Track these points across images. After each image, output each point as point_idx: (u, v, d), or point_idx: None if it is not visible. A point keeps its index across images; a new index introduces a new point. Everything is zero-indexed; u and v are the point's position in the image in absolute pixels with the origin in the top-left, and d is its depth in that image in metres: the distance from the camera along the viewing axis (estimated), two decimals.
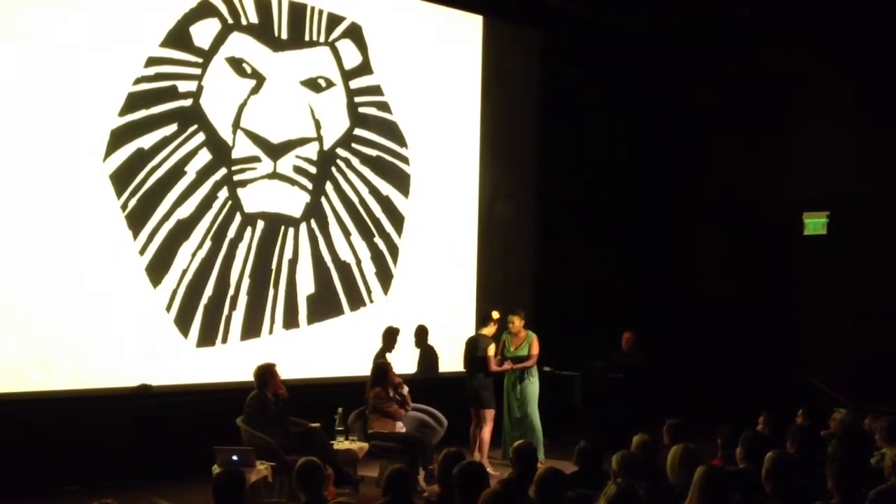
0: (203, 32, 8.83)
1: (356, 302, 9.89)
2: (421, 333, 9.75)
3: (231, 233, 9.00)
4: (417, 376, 9.59)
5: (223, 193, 8.94)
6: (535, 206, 11.68)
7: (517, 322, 9.27)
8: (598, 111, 11.88)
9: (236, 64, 9.05)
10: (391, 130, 10.23)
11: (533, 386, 9.28)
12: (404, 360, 9.44)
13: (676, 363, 11.41)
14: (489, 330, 9.27)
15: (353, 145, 9.90)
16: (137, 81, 8.40)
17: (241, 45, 9.07)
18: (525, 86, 11.62)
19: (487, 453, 9.09)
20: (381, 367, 8.49)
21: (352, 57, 9.90)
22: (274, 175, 9.24)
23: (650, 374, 10.25)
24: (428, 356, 9.77)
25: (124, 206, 8.33)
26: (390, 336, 9.12)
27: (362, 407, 8.46)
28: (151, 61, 8.50)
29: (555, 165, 11.63)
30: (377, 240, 10.08)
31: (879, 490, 4.55)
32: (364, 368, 9.13)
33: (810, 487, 4.98)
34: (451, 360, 9.91)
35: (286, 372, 8.07)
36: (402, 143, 10.32)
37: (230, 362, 8.87)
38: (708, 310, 11.84)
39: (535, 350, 9.24)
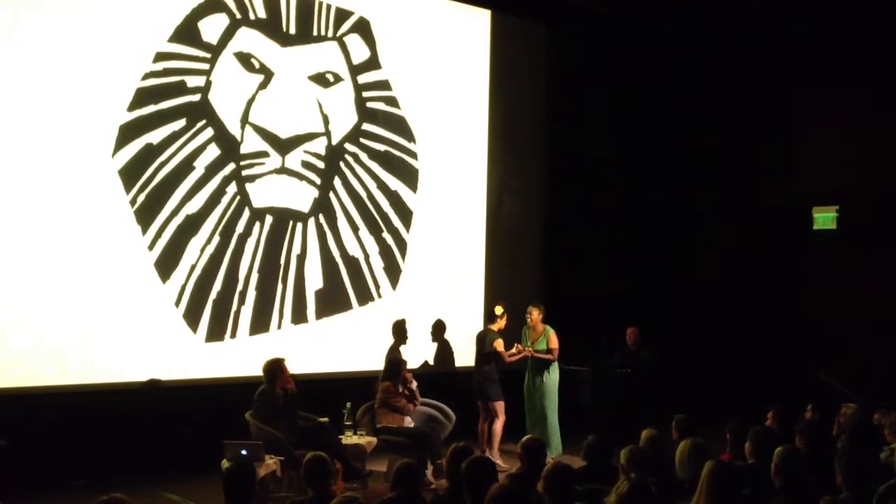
0: (211, 27, 8.84)
1: (364, 297, 9.90)
2: (438, 327, 9.77)
3: (239, 228, 9.01)
4: (434, 370, 9.62)
5: (231, 188, 8.95)
6: (543, 200, 11.67)
7: (535, 314, 9.29)
8: (606, 106, 11.86)
9: (244, 59, 9.06)
10: (399, 125, 10.23)
11: (551, 381, 9.29)
12: (415, 354, 9.46)
13: (684, 358, 11.39)
14: (497, 325, 9.28)
15: (362, 140, 9.90)
16: (146, 77, 8.42)
17: (249, 40, 9.08)
18: (533, 80, 11.61)
19: (499, 446, 9.10)
20: (395, 361, 8.50)
21: (360, 52, 9.90)
22: (282, 170, 9.25)
23: (658, 369, 10.24)
24: (444, 350, 9.79)
25: (133, 202, 8.35)
26: (400, 329, 9.13)
27: (371, 402, 8.48)
28: (160, 56, 8.51)
29: (562, 160, 11.62)
30: (385, 235, 10.09)
31: (889, 485, 4.54)
32: (372, 363, 9.16)
33: (819, 483, 4.97)
34: (460, 355, 9.93)
35: (295, 367, 8.09)
36: (411, 137, 10.32)
37: (239, 357, 8.89)
38: (717, 305, 11.81)
39: (554, 344, 9.25)
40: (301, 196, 9.42)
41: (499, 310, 9.31)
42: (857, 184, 10.51)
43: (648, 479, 4.44)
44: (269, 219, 9.21)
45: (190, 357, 8.68)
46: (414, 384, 8.51)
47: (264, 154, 9.13)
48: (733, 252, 11.68)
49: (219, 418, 7.91)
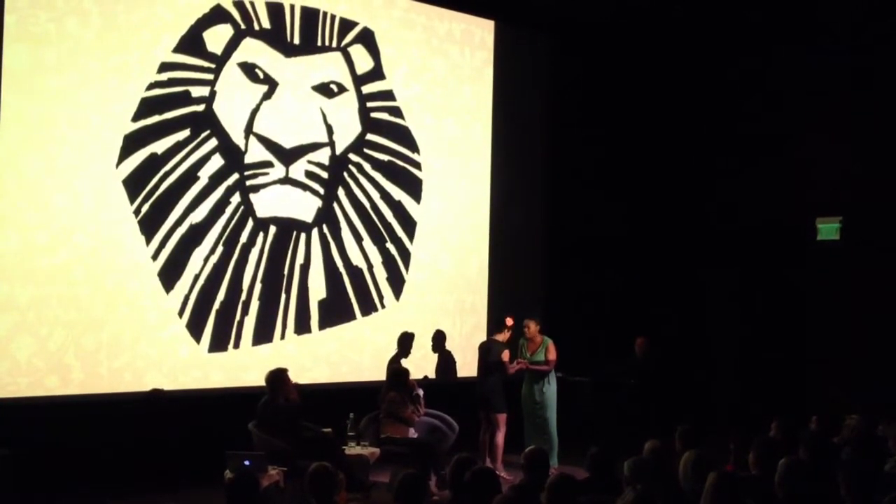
0: (216, 38, 8.87)
1: (368, 307, 9.90)
2: (439, 338, 9.76)
3: (243, 238, 9.03)
4: (436, 381, 9.61)
5: (235, 198, 8.97)
6: (546, 210, 11.67)
7: (532, 327, 9.28)
8: (609, 116, 11.87)
9: (249, 69, 9.08)
10: (403, 135, 10.24)
11: (550, 392, 9.29)
12: (418, 365, 9.45)
13: (688, 368, 11.37)
14: (503, 336, 9.29)
15: (365, 150, 9.92)
16: (150, 87, 8.45)
17: (253, 50, 9.11)
18: (537, 90, 11.63)
19: (501, 458, 9.09)
20: (400, 372, 8.51)
21: (364, 62, 9.93)
22: (286, 180, 9.27)
23: (662, 380, 10.22)
24: (446, 361, 9.78)
25: (137, 211, 8.37)
26: (405, 341, 9.13)
27: (374, 412, 8.47)
28: (164, 67, 8.54)
29: (566, 170, 11.62)
30: (389, 245, 10.09)
31: (894, 497, 4.52)
32: (376, 374, 9.18)
33: (823, 494, 4.95)
34: (464, 365, 9.92)
35: (298, 377, 8.10)
36: (414, 148, 10.34)
37: (242, 367, 8.90)
38: (720, 315, 11.80)
39: (552, 356, 9.25)
40: (305, 206, 9.44)
41: (509, 321, 9.32)
42: (860, 194, 10.49)
43: (653, 490, 4.43)
44: (272, 229, 9.22)
45: (193, 367, 8.69)
46: (420, 392, 8.50)
47: (268, 164, 9.15)
48: (736, 262, 11.66)
49: (222, 429, 7.90)
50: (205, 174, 8.77)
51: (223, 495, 5.23)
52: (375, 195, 10.00)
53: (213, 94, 8.85)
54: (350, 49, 9.83)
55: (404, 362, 8.94)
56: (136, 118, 8.36)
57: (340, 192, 9.71)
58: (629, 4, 11.42)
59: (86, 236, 8.09)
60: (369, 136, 9.96)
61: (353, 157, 9.82)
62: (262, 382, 7.76)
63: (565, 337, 9.83)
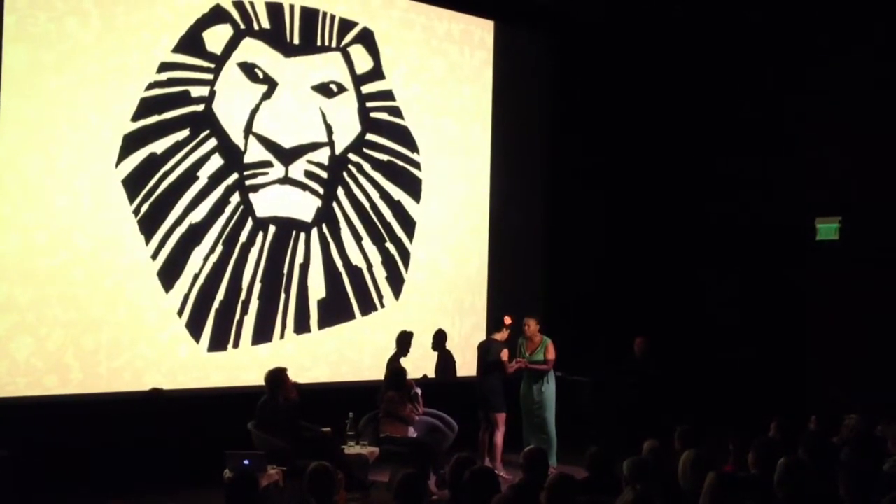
0: (215, 38, 8.88)
1: (367, 307, 9.90)
2: (439, 337, 9.77)
3: (243, 237, 9.03)
4: (435, 380, 9.61)
5: (235, 198, 8.97)
6: (547, 210, 11.67)
7: (532, 325, 9.29)
8: (609, 117, 11.87)
9: (248, 69, 9.09)
10: (402, 135, 10.24)
11: (549, 391, 9.29)
12: (417, 364, 9.46)
13: (687, 368, 11.37)
14: (502, 335, 9.30)
15: (365, 150, 9.92)
16: (150, 87, 8.45)
17: (253, 50, 9.11)
18: (536, 90, 11.63)
19: (501, 457, 9.09)
20: (399, 372, 8.52)
21: (363, 62, 9.93)
22: (286, 180, 9.27)
23: (661, 380, 10.22)
24: (446, 360, 9.79)
25: (136, 211, 8.37)
26: (404, 340, 9.15)
27: (374, 411, 8.48)
28: (164, 67, 8.55)
29: (566, 170, 11.62)
30: (388, 245, 10.10)
31: (893, 497, 4.52)
32: (375, 373, 9.18)
33: (822, 494, 4.95)
34: (463, 365, 9.92)
35: (297, 376, 8.10)
36: (414, 148, 10.34)
37: (241, 367, 8.90)
38: (719, 315, 11.79)
39: (551, 355, 9.26)
40: (304, 206, 9.44)
41: (508, 320, 9.32)
42: (860, 194, 10.49)
43: (652, 490, 4.43)
44: (272, 228, 9.23)
45: (193, 366, 8.69)
46: (418, 390, 8.51)
47: (268, 164, 9.15)
48: (736, 263, 11.66)
49: (221, 428, 7.90)
50: (204, 174, 8.78)
51: (223, 495, 5.23)
52: (375, 195, 10.00)
53: (212, 93, 8.85)
54: (349, 49, 9.83)
55: (403, 361, 8.94)
56: (135, 118, 8.36)
57: (340, 192, 9.71)
58: (629, 4, 11.43)
59: (85, 236, 8.09)
60: (369, 136, 9.96)
61: (352, 156, 9.82)
62: (262, 382, 7.76)
63: (565, 337, 9.83)
